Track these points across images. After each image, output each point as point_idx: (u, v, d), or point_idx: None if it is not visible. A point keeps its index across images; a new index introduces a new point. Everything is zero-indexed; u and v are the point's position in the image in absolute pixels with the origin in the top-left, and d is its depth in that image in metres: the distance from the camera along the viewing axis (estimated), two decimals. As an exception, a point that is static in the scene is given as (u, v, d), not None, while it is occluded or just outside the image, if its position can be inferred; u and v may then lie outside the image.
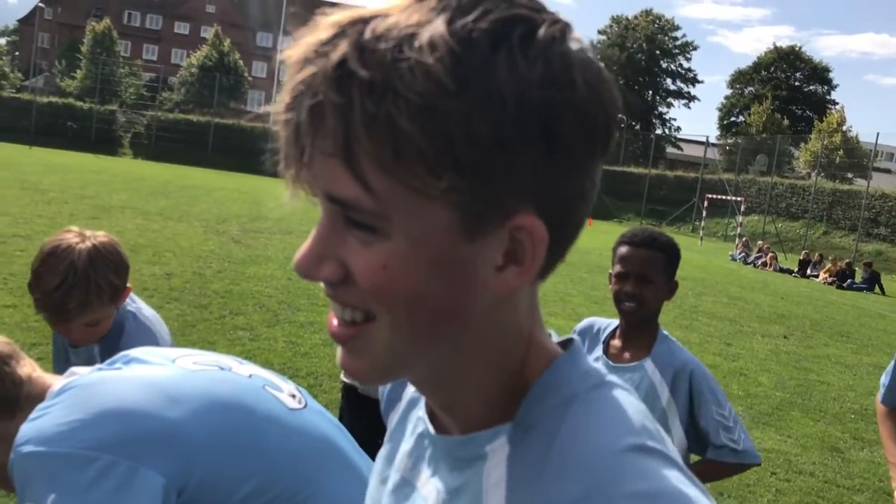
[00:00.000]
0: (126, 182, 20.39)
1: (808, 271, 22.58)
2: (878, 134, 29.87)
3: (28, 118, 34.94)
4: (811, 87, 57.22)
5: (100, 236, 1.91)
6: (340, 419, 3.13)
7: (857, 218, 29.20)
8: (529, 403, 0.56)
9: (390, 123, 0.45)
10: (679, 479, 0.49)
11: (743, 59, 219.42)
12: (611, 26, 60.75)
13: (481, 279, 0.51)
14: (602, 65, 0.52)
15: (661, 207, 37.56)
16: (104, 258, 1.86)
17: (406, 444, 0.66)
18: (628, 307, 2.15)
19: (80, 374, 1.29)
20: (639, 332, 2.20)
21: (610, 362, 2.20)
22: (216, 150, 39.47)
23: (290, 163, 0.50)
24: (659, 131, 56.76)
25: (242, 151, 38.38)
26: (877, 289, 20.47)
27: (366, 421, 2.63)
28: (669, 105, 61.85)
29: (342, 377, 3.27)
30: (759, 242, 26.51)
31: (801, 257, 23.64)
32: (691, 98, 61.29)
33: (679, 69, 60.63)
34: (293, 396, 1.42)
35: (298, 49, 0.48)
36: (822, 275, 21.77)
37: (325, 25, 0.48)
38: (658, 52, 59.49)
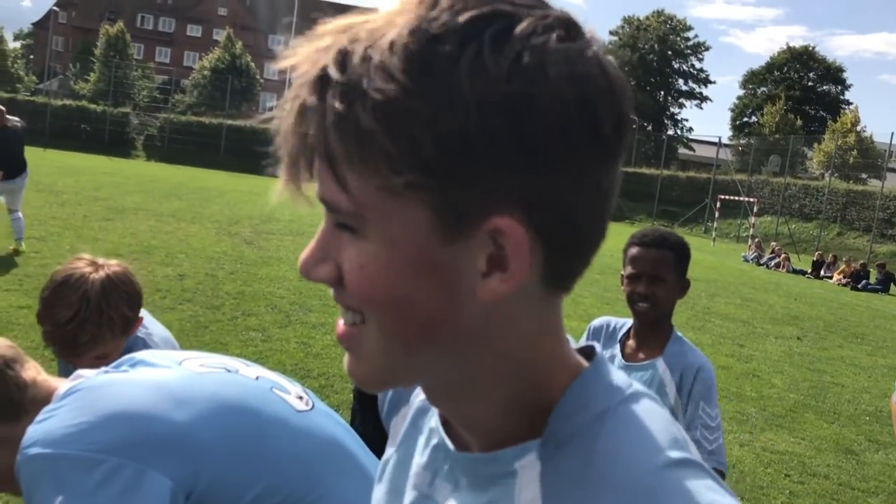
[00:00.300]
0: (139, 184, 20.51)
1: (822, 272, 22.41)
2: (892, 134, 29.67)
3: (43, 121, 35.17)
4: (825, 87, 56.84)
5: (113, 265, 1.85)
6: (352, 421, 3.14)
7: (871, 219, 28.95)
8: (558, 419, 0.54)
9: (357, 123, 0.46)
10: (715, 490, 0.49)
11: (755, 60, 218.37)
12: (622, 27, 60.62)
13: (467, 285, 0.49)
14: (607, 62, 0.50)
15: (673, 208, 37.38)
16: (118, 289, 1.80)
17: (421, 457, 0.64)
18: (642, 307, 2.17)
19: (87, 376, 1.29)
20: (652, 332, 2.22)
21: (624, 362, 2.22)
22: (228, 152, 39.61)
23: (291, 166, 0.51)
24: (671, 132, 56.58)
25: (254, 153, 38.41)
26: (892, 290, 20.29)
27: (379, 422, 2.62)
28: (681, 106, 61.72)
29: (353, 378, 3.27)
30: (772, 243, 26.33)
31: (815, 258, 23.45)
32: (703, 99, 61.07)
33: (691, 70, 60.44)
34: (300, 398, 1.41)
35: (296, 57, 0.49)
36: (836, 276, 21.60)
37: (321, 33, 0.50)
38: (670, 52, 59.28)
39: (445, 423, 0.62)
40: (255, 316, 7.12)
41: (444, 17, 0.47)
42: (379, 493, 0.70)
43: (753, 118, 55.22)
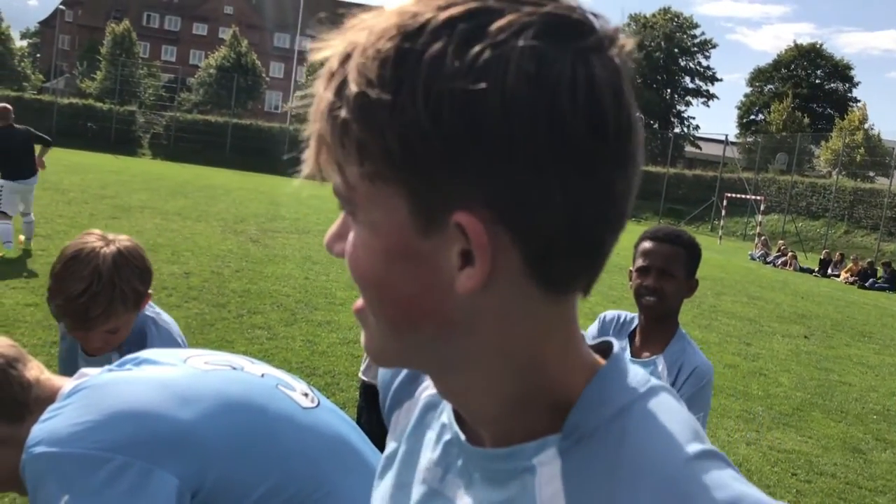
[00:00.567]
0: (145, 182, 20.56)
1: (829, 271, 22.34)
2: (900, 132, 29.48)
3: (49, 119, 35.30)
4: (832, 85, 56.57)
5: (123, 240, 1.85)
6: (358, 418, 3.14)
7: (878, 217, 28.83)
8: (580, 414, 0.54)
9: (340, 112, 0.49)
10: (739, 480, 0.50)
11: (762, 57, 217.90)
12: (628, 24, 60.40)
13: (446, 278, 0.50)
14: (601, 64, 0.48)
15: (679, 206, 37.31)
16: (129, 263, 1.79)
17: (431, 452, 0.64)
18: (648, 301, 2.17)
19: (91, 374, 1.28)
20: (657, 329, 2.22)
21: (630, 357, 2.22)
22: (234, 150, 39.69)
23: (310, 149, 0.55)
24: (677, 130, 56.44)
25: (260, 152, 38.60)
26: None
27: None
28: (688, 103, 61.50)
29: (360, 375, 3.28)
30: (779, 242, 26.25)
31: (822, 257, 23.39)
32: (710, 96, 60.88)
33: (698, 67, 60.27)
34: (306, 395, 1.40)
35: (325, 51, 0.52)
36: (844, 274, 21.53)
37: (347, 27, 0.52)
38: (676, 50, 59.13)
39: (459, 418, 0.62)
40: (260, 314, 7.12)
41: (428, 14, 0.48)
42: (383, 488, 0.69)
43: (760, 116, 55.02)
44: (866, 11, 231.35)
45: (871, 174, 36.27)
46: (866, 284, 20.32)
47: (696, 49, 59.85)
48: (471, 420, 0.59)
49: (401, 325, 0.54)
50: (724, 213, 30.96)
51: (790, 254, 23.76)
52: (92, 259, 1.74)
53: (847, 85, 56.72)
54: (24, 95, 39.69)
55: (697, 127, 61.57)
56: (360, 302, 0.56)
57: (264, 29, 68.37)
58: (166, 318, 2.13)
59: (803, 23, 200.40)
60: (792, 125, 44.70)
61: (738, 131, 56.43)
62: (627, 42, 0.51)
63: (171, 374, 1.28)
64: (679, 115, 60.77)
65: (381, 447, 1.47)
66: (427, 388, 0.70)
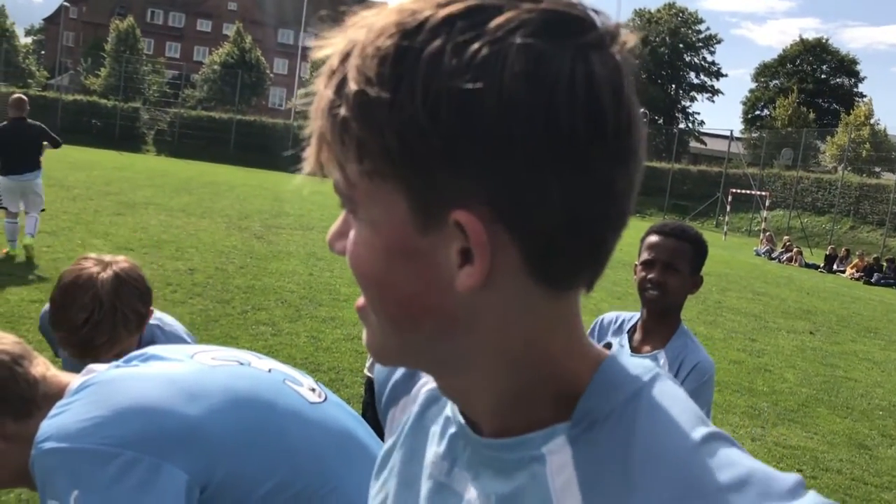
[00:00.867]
0: (150, 178, 20.60)
1: (835, 266, 22.28)
2: (906, 127, 29.37)
3: (54, 116, 35.33)
4: (838, 80, 56.36)
5: (120, 261, 1.81)
6: (364, 414, 3.14)
7: (884, 212, 28.73)
8: (591, 400, 0.54)
9: (339, 109, 0.49)
10: (747, 457, 0.50)
11: (767, 52, 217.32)
12: (633, 20, 60.24)
13: (446, 276, 0.50)
14: (601, 62, 0.47)
15: (684, 202, 37.22)
16: (128, 285, 1.76)
17: (437, 446, 0.64)
18: (651, 295, 2.17)
19: (98, 370, 1.29)
20: (660, 324, 2.22)
21: (630, 353, 2.21)
22: (238, 146, 39.72)
23: (312, 146, 0.55)
24: (682, 125, 56.24)
25: (264, 148, 38.61)
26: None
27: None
28: (693, 99, 61.37)
29: (366, 371, 3.28)
30: (785, 237, 26.18)
31: (828, 252, 23.32)
32: (715, 92, 60.74)
33: (703, 63, 60.10)
34: (313, 390, 1.41)
35: (326, 49, 0.52)
36: (849, 270, 21.47)
37: (348, 24, 0.52)
38: (681, 45, 58.97)
39: (463, 410, 0.62)
40: (265, 310, 7.13)
41: (427, 11, 0.48)
42: (390, 485, 0.68)
43: (766, 111, 54.83)
44: (872, 6, 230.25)
45: (877, 169, 36.17)
46: (872, 280, 20.27)
47: (700, 44, 59.68)
48: (471, 415, 0.59)
49: (401, 323, 0.54)
50: (728, 208, 30.88)
51: (795, 249, 23.70)
52: (91, 286, 1.71)
53: (853, 80, 56.51)
54: (28, 92, 39.71)
55: (702, 122, 61.45)
56: (361, 300, 0.56)
57: (268, 25, 68.37)
58: (169, 320, 2.11)
59: (808, 17, 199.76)
60: (797, 120, 44.55)
61: (742, 127, 56.29)
62: (630, 38, 0.50)
63: (178, 369, 1.28)
64: (684, 110, 60.62)
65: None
66: (426, 384, 0.70)
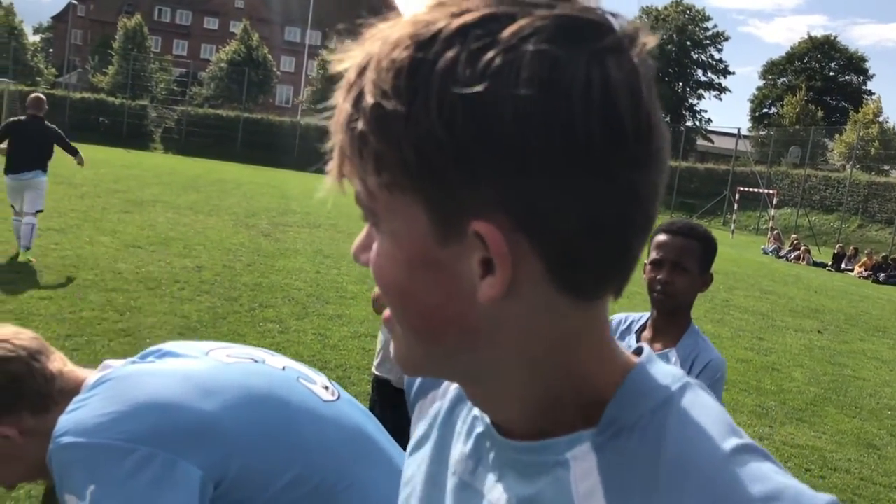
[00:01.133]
0: (157, 176, 20.65)
1: (843, 265, 22.18)
2: (915, 124, 29.24)
3: (62, 114, 35.46)
4: (846, 78, 56.09)
5: None
6: (370, 411, 3.15)
7: (893, 211, 28.62)
8: (618, 408, 0.53)
9: (357, 123, 0.49)
10: (780, 473, 0.50)
11: (775, 50, 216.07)
12: (640, 17, 60.09)
13: (468, 286, 0.50)
14: (618, 67, 0.47)
15: (691, 200, 37.10)
16: None
17: (463, 445, 0.64)
18: (660, 295, 2.15)
19: (115, 366, 1.30)
20: (670, 323, 2.20)
21: None
22: (245, 144, 39.79)
23: (334, 159, 0.55)
24: (689, 123, 56.06)
25: (271, 146, 38.69)
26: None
27: (398, 413, 2.64)
28: (700, 97, 61.11)
29: (373, 370, 3.28)
30: (792, 236, 26.08)
31: (836, 251, 23.22)
32: (722, 89, 60.46)
33: (710, 60, 59.85)
34: (326, 388, 1.42)
35: (345, 62, 0.52)
36: (858, 269, 21.38)
37: (366, 37, 0.52)
38: (688, 42, 58.75)
39: None
40: (272, 307, 7.15)
41: (441, 22, 0.48)
42: (417, 479, 0.68)
43: (773, 109, 54.64)
44: (881, 3, 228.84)
45: (886, 167, 35.96)
46: (881, 279, 20.17)
47: (708, 42, 59.45)
48: (497, 420, 0.59)
49: (425, 335, 0.53)
50: (736, 206, 30.78)
51: (803, 248, 23.60)
52: None
53: (861, 77, 56.23)
54: (37, 90, 39.91)
55: (710, 120, 61.15)
56: (388, 311, 0.56)
57: (275, 23, 68.43)
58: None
59: (816, 15, 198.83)
60: (805, 118, 44.37)
61: (750, 125, 56.11)
62: (649, 40, 0.49)
63: (193, 366, 1.29)
64: (691, 108, 60.40)
65: (394, 440, 1.47)
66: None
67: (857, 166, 33.54)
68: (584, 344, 0.54)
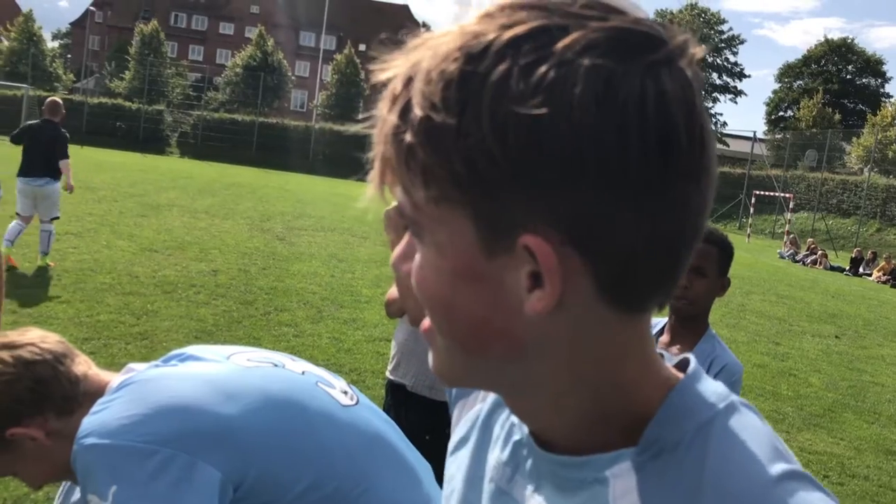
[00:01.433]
0: (173, 180, 20.80)
1: (861, 270, 21.97)
2: (934, 128, 28.95)
3: (79, 118, 35.82)
4: (864, 80, 55.65)
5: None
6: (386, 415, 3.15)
7: (912, 215, 28.30)
8: (659, 428, 0.53)
9: (405, 136, 0.49)
10: (830, 502, 0.49)
11: (791, 53, 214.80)
12: (655, 21, 59.84)
13: (514, 299, 0.49)
14: (670, 80, 0.46)
15: (706, 204, 36.87)
16: None
17: (500, 451, 0.64)
18: (679, 301, 2.14)
19: (138, 369, 1.32)
20: (688, 328, 2.20)
21: None
22: (260, 148, 40.00)
23: (376, 169, 0.55)
24: (704, 127, 55.72)
25: (286, 150, 38.85)
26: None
27: (413, 417, 2.65)
28: (715, 100, 60.78)
29: (388, 374, 3.28)
30: (809, 240, 25.86)
31: (853, 255, 22.99)
32: (738, 93, 60.15)
33: (725, 63, 59.55)
34: (345, 393, 1.43)
35: (388, 72, 0.52)
36: (876, 273, 21.16)
37: (410, 47, 0.52)
38: (704, 46, 58.49)
39: None
40: (287, 311, 7.18)
41: (492, 34, 0.47)
42: (457, 480, 0.69)
43: (789, 112, 54.28)
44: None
45: (904, 171, 35.59)
46: (899, 283, 19.96)
47: (723, 45, 59.17)
48: (540, 431, 0.59)
49: (469, 347, 0.53)
50: (752, 210, 30.57)
51: (820, 252, 23.40)
52: None
53: (879, 80, 55.77)
54: (55, 95, 40.32)
55: (725, 124, 60.94)
56: (427, 322, 0.56)
57: (290, 28, 68.80)
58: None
59: (833, 17, 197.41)
60: (822, 121, 44.01)
61: (766, 128, 55.76)
62: (698, 50, 0.49)
63: (214, 370, 1.31)
64: (707, 111, 60.11)
65: (412, 443, 1.48)
66: None
67: (875, 170, 33.21)
68: (630, 358, 0.53)
